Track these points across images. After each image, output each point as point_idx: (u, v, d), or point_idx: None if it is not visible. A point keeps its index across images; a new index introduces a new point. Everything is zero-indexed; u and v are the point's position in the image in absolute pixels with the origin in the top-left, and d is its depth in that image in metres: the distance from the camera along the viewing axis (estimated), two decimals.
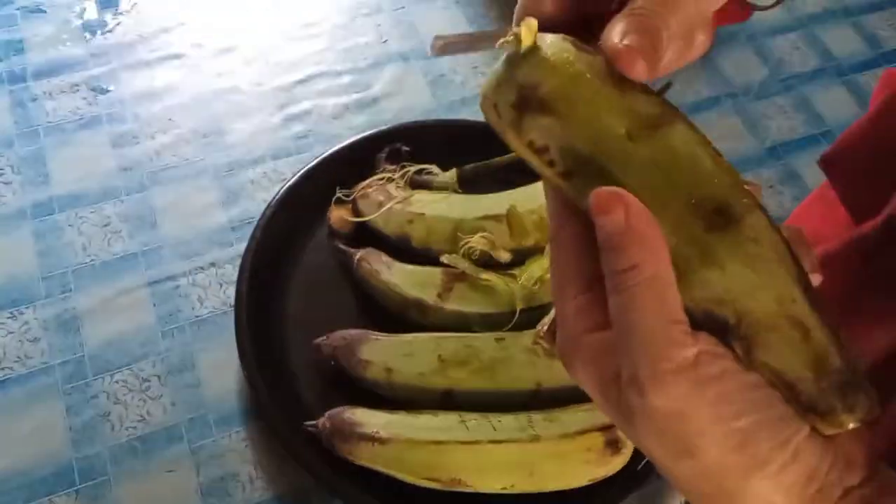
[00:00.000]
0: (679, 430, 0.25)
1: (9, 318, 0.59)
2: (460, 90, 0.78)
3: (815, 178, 0.77)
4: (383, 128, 0.70)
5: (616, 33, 0.27)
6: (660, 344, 0.25)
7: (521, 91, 0.28)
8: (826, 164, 0.55)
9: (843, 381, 0.26)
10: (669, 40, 0.27)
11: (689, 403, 0.25)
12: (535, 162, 0.29)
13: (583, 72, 0.27)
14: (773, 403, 0.26)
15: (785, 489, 0.25)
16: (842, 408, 0.26)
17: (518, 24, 0.28)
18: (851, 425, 0.26)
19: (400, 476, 0.53)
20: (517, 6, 0.31)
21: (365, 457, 0.53)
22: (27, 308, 0.60)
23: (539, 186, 0.63)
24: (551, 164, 0.28)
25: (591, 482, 0.53)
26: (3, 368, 0.57)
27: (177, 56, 0.76)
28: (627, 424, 0.27)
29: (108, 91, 0.72)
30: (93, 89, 0.72)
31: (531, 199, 0.62)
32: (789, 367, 0.26)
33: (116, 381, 0.58)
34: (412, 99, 0.77)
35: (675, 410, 0.25)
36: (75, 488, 0.54)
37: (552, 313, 0.33)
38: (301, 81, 0.76)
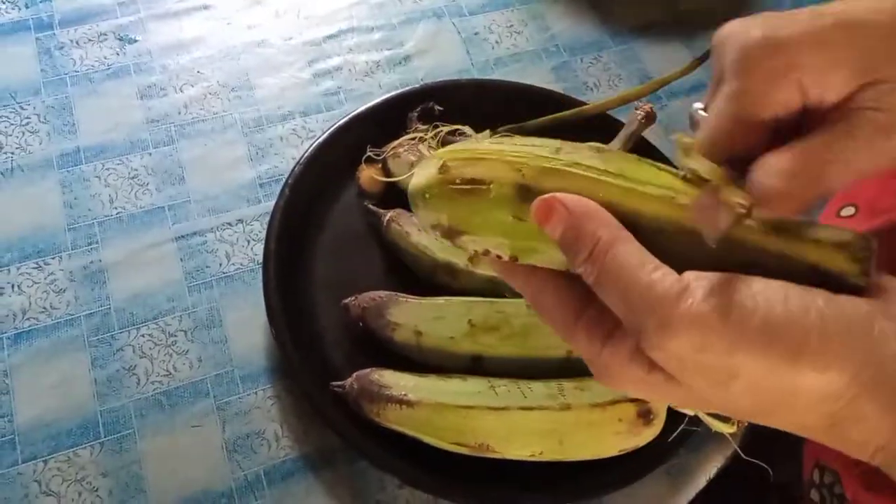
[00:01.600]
0: (712, 359, 0.25)
1: (34, 268, 0.59)
2: (495, 49, 0.76)
3: None
4: (415, 86, 0.68)
5: (774, 173, 0.27)
6: (647, 292, 0.25)
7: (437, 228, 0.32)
8: None
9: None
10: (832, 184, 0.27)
11: (703, 328, 0.24)
12: (484, 262, 0.32)
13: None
14: (767, 285, 0.25)
15: (833, 357, 0.24)
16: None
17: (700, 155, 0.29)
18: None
19: (427, 440, 0.52)
20: (704, 137, 0.30)
21: (392, 419, 0.52)
22: (53, 259, 0.60)
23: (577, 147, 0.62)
24: (499, 257, 0.31)
25: (620, 453, 0.52)
26: (28, 319, 0.57)
27: (205, 7, 0.74)
28: (674, 387, 0.26)
29: (135, 41, 0.71)
30: (120, 39, 0.71)
31: None
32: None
33: (142, 335, 0.57)
34: (445, 57, 0.75)
35: (695, 343, 0.25)
36: (100, 441, 0.54)
37: None
38: (332, 36, 0.74)
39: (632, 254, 0.26)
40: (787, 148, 0.28)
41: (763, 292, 0.25)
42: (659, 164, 0.30)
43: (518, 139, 0.32)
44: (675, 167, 0.30)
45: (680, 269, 0.26)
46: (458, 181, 0.30)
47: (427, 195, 0.31)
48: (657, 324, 0.25)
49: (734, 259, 0.27)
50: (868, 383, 0.24)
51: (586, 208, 0.27)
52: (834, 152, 0.27)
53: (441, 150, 0.32)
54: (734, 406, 0.26)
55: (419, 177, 0.32)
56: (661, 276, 0.26)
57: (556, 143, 0.31)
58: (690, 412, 0.51)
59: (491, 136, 0.64)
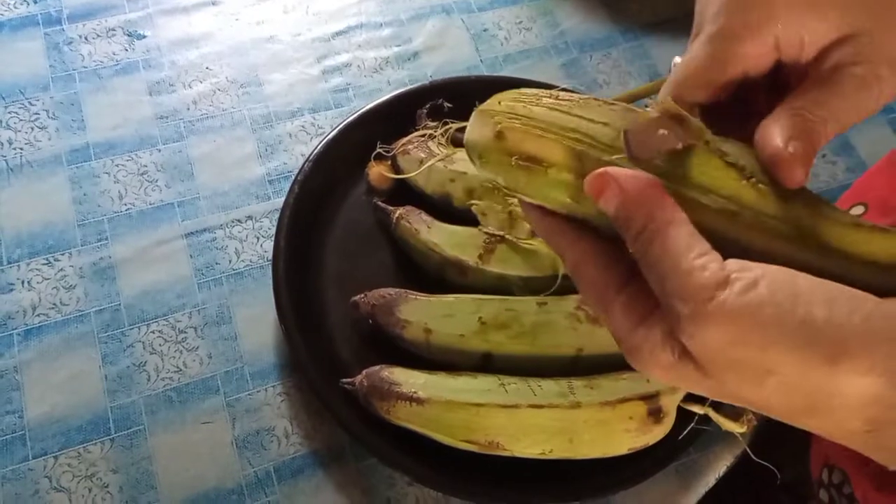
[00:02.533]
0: (745, 354, 0.24)
1: (45, 264, 0.59)
2: (504, 46, 0.76)
3: (869, 149, 0.74)
4: (424, 83, 0.68)
5: (778, 136, 0.27)
6: (687, 279, 0.25)
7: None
8: None
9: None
10: (826, 140, 0.28)
11: (737, 321, 0.24)
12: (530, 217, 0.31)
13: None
14: (814, 284, 0.24)
15: (877, 361, 0.23)
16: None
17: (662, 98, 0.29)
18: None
19: (437, 437, 0.52)
20: (667, 83, 0.31)
21: (402, 416, 0.52)
22: (63, 255, 0.60)
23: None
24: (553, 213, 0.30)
25: (630, 451, 0.52)
26: (38, 315, 0.57)
27: (214, 2, 0.74)
28: (704, 378, 0.26)
29: (144, 36, 0.71)
30: (129, 34, 0.71)
31: None
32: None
33: (152, 332, 0.57)
34: (454, 53, 0.74)
35: (728, 336, 0.24)
36: (110, 437, 0.54)
37: None
38: (340, 33, 0.74)
39: (680, 237, 0.26)
40: (781, 112, 0.28)
41: (808, 292, 0.24)
42: (726, 155, 0.28)
43: (574, 103, 0.30)
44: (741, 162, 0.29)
45: (734, 253, 0.26)
46: (514, 155, 0.29)
47: (482, 157, 0.30)
48: (691, 312, 0.24)
49: (794, 257, 0.26)
50: None
51: (641, 187, 0.27)
52: (827, 111, 0.28)
53: (494, 104, 0.30)
54: (766, 404, 0.25)
55: (474, 132, 0.31)
56: (703, 263, 0.25)
57: (616, 115, 0.29)
58: (700, 411, 0.51)
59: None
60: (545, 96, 0.30)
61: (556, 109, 0.30)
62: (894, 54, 0.29)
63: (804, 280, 0.24)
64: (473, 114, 0.31)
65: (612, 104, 0.30)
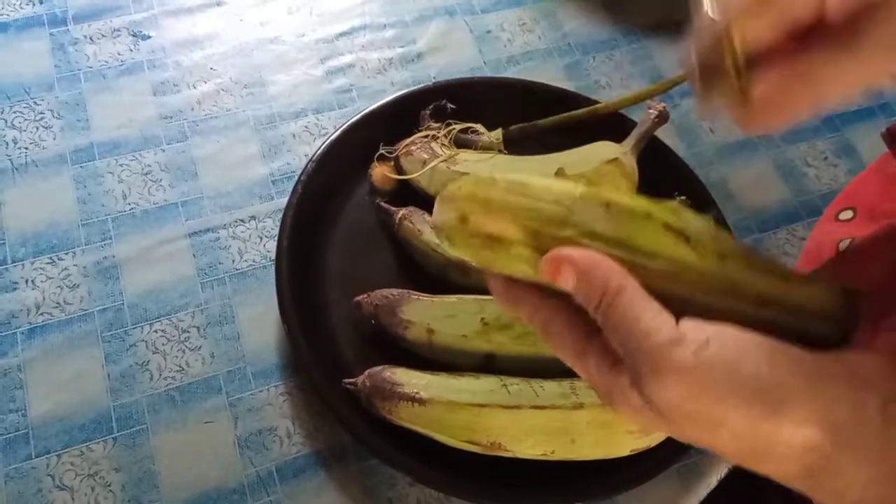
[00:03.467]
0: (699, 408, 0.26)
1: (48, 263, 0.59)
2: (507, 47, 0.76)
3: (870, 151, 0.74)
4: (428, 84, 0.68)
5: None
6: (644, 340, 0.27)
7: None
8: (891, 137, 0.53)
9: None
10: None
11: (693, 379, 0.26)
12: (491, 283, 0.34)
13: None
14: (758, 343, 0.27)
15: (813, 414, 0.25)
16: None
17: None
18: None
19: (439, 438, 0.52)
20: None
21: (404, 417, 0.52)
22: (66, 254, 0.60)
23: (587, 150, 0.62)
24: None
25: (632, 453, 0.52)
26: (42, 314, 0.57)
27: (218, 3, 0.74)
28: (668, 424, 0.28)
29: (148, 37, 0.71)
30: (134, 35, 0.71)
31: (578, 162, 0.60)
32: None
33: (155, 331, 0.57)
34: (457, 55, 0.75)
35: (685, 392, 0.26)
36: (113, 436, 0.54)
37: None
38: (344, 34, 0.74)
39: (633, 303, 0.28)
40: (789, 56, 0.30)
41: (753, 350, 0.27)
42: (668, 219, 0.31)
43: (532, 183, 0.32)
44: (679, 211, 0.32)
45: (681, 308, 0.28)
46: (477, 236, 0.32)
47: (450, 239, 0.33)
48: (650, 370, 0.27)
49: (733, 308, 0.29)
50: (844, 441, 0.25)
51: (593, 261, 0.29)
52: (831, 66, 0.29)
53: (456, 190, 0.33)
54: (721, 450, 0.28)
55: (440, 217, 0.33)
56: (658, 325, 0.27)
57: (574, 191, 0.32)
58: None
59: (503, 134, 0.64)
60: (500, 182, 0.33)
61: (514, 191, 0.32)
62: None
63: (750, 339, 0.27)
64: (438, 199, 0.34)
65: (564, 179, 0.33)
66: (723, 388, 0.26)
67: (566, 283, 0.29)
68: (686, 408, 0.27)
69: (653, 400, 0.27)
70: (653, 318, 0.27)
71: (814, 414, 0.25)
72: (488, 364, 0.55)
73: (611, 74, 0.76)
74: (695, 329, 0.27)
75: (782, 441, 0.26)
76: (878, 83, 0.30)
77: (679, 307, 0.28)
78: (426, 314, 0.55)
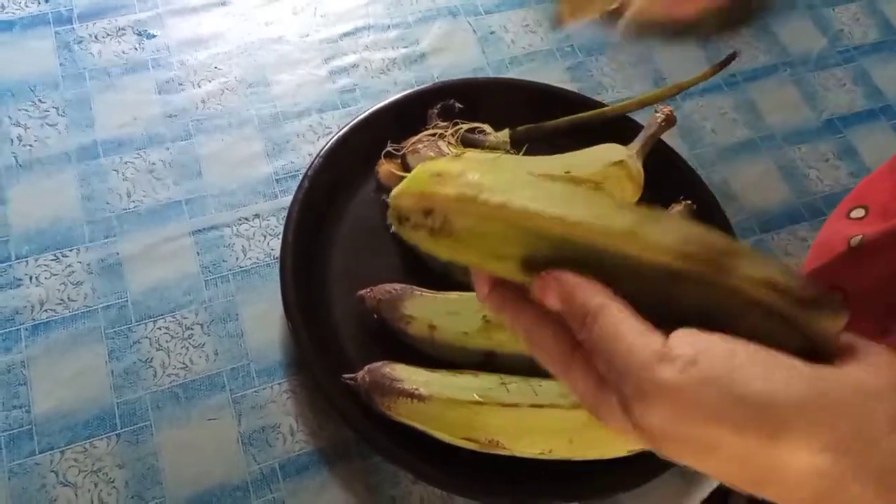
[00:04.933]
0: (688, 431, 0.25)
1: (53, 260, 0.59)
2: (510, 48, 0.76)
3: (872, 153, 0.75)
4: (433, 83, 0.68)
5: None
6: (627, 358, 0.26)
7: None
8: None
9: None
10: None
11: (680, 400, 0.24)
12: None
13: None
14: (751, 354, 0.25)
15: (817, 436, 0.24)
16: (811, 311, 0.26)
17: None
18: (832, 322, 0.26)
19: (437, 434, 0.52)
20: None
21: (403, 413, 0.52)
22: (71, 251, 0.60)
23: (593, 152, 0.62)
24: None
25: (630, 453, 0.52)
26: (46, 310, 0.57)
27: (223, 2, 0.74)
28: (658, 446, 0.27)
29: (153, 36, 0.71)
30: (139, 34, 0.71)
31: (585, 163, 0.61)
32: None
33: (159, 328, 0.58)
34: (460, 55, 0.75)
35: (672, 414, 0.25)
36: (116, 432, 0.54)
37: None
38: (348, 34, 0.74)
39: (615, 321, 0.27)
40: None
41: (746, 364, 0.25)
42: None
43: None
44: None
45: (669, 313, 0.27)
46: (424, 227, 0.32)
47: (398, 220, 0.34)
48: (634, 390, 0.25)
49: (719, 310, 0.27)
50: (854, 464, 0.24)
51: (575, 282, 0.28)
52: None
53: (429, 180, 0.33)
54: (717, 475, 0.26)
55: (401, 200, 0.33)
56: (642, 342, 0.26)
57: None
58: None
59: (510, 134, 0.64)
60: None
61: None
62: None
63: (744, 351, 0.25)
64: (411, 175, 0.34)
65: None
66: (714, 409, 0.24)
67: (554, 304, 0.29)
68: (675, 431, 0.25)
69: (640, 423, 0.26)
70: (636, 336, 0.26)
71: (819, 435, 0.24)
72: (488, 362, 0.55)
73: (613, 76, 0.76)
74: (684, 343, 0.25)
75: (785, 466, 0.24)
76: None
77: (667, 310, 0.27)
78: (428, 310, 0.56)
